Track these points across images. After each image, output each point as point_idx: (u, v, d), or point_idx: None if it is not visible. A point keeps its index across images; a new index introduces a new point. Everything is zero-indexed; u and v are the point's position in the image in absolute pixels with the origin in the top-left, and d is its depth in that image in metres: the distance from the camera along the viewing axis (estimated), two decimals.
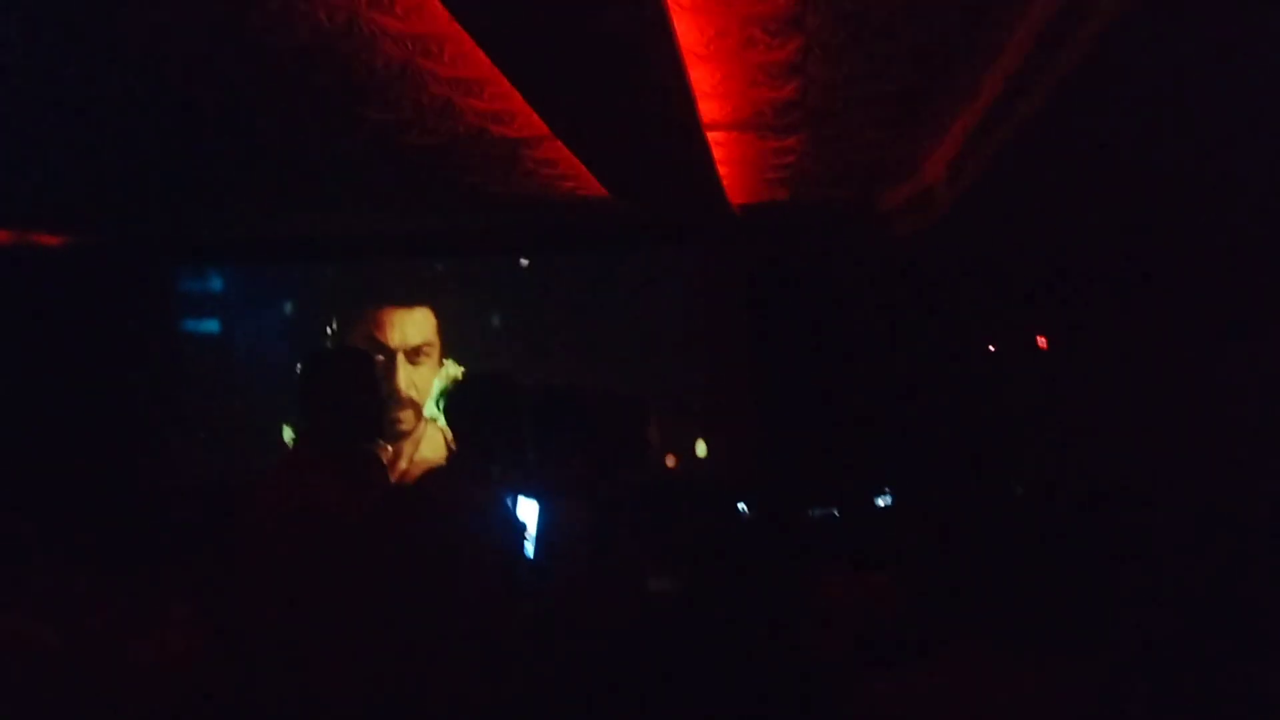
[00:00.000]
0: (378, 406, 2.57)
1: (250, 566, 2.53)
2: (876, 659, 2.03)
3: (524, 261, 7.19)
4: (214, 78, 3.69)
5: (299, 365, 2.90)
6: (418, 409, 7.11)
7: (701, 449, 6.95)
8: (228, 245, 7.34)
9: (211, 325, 7.51)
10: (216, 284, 7.54)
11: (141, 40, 3.31)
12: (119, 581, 3.47)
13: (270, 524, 2.43)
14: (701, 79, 3.72)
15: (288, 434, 7.13)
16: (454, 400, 2.67)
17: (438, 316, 7.26)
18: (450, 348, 7.23)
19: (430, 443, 7.06)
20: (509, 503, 2.66)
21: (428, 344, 7.25)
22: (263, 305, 7.41)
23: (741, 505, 5.40)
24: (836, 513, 4.72)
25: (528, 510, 2.66)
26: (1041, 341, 5.45)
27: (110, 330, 7.09)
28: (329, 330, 7.32)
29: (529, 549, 2.64)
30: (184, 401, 7.26)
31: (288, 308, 7.40)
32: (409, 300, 7.28)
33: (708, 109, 4.07)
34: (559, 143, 4.44)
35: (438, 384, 7.18)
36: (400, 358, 7.20)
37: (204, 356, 7.42)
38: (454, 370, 7.19)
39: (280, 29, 3.19)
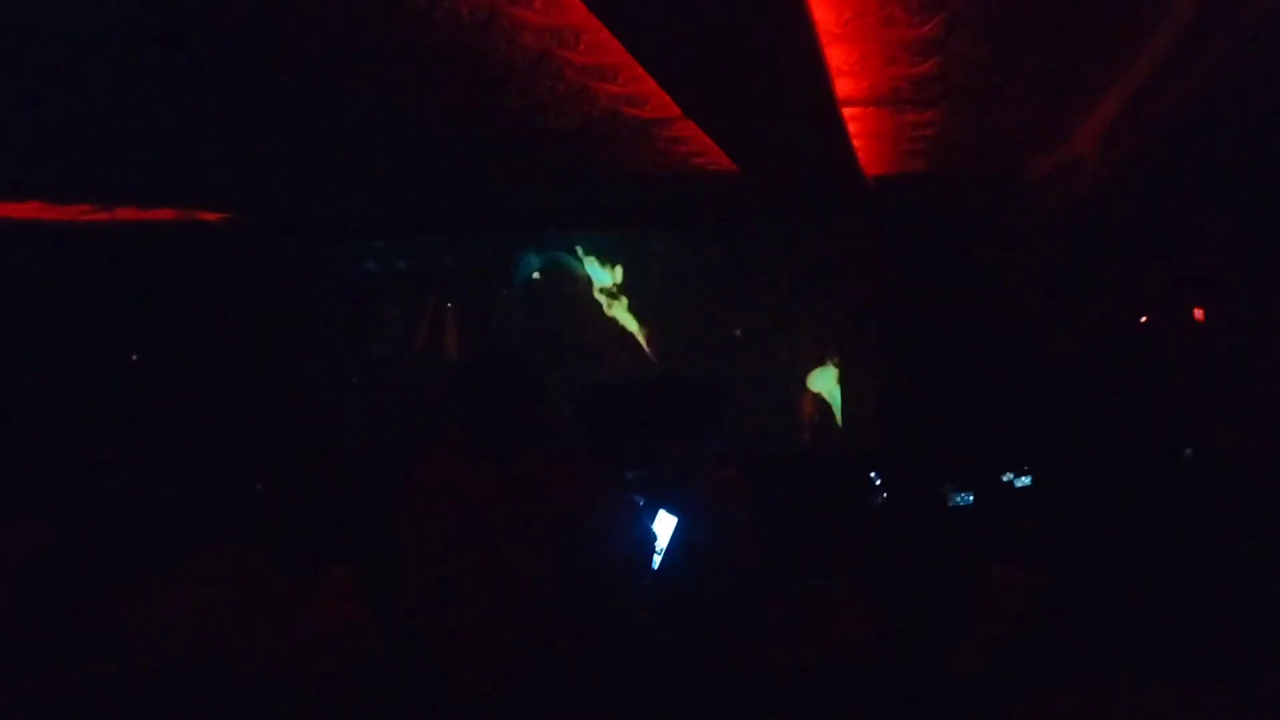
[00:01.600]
0: (536, 418, 2.57)
1: (404, 546, 2.68)
2: (1022, 668, 2.00)
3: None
4: (357, 72, 3.82)
5: (459, 370, 2.90)
6: None
7: (839, 421, 6.88)
8: (373, 222, 7.63)
9: (357, 300, 7.83)
10: (362, 260, 7.86)
11: (295, 42, 3.46)
12: (275, 551, 3.69)
13: (426, 511, 2.57)
14: (838, 58, 3.64)
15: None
16: (591, 408, 2.74)
17: None
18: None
19: None
20: (643, 511, 2.73)
21: None
22: (404, 278, 7.70)
23: (876, 479, 5.34)
24: (971, 496, 4.62)
25: (664, 524, 2.71)
26: (1198, 314, 5.16)
27: (264, 304, 7.50)
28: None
29: (656, 561, 2.69)
30: (329, 374, 7.63)
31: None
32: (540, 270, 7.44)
33: (843, 86, 3.98)
34: (690, 122, 4.43)
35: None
36: None
37: (350, 330, 7.76)
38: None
39: (424, 27, 3.28)
